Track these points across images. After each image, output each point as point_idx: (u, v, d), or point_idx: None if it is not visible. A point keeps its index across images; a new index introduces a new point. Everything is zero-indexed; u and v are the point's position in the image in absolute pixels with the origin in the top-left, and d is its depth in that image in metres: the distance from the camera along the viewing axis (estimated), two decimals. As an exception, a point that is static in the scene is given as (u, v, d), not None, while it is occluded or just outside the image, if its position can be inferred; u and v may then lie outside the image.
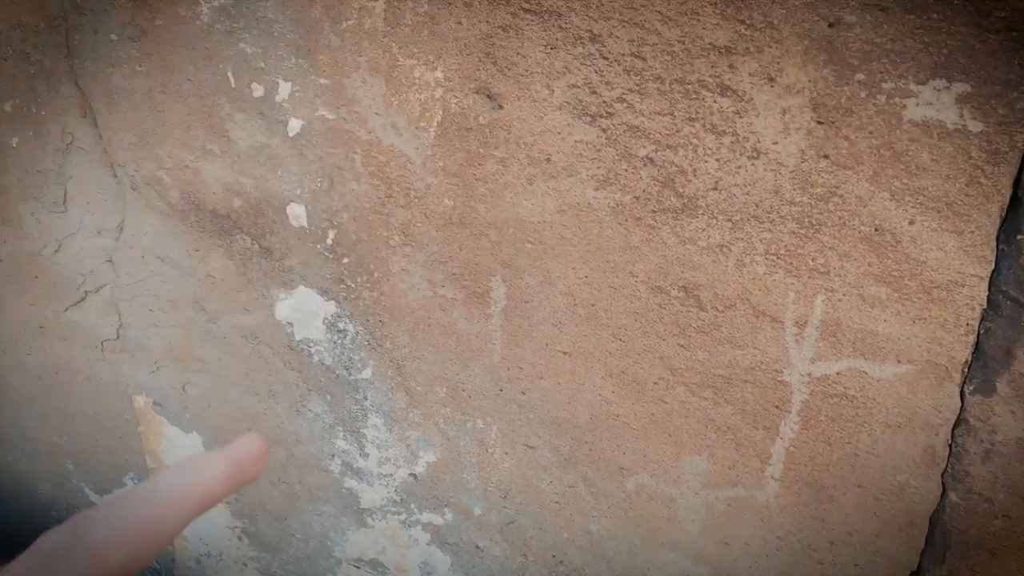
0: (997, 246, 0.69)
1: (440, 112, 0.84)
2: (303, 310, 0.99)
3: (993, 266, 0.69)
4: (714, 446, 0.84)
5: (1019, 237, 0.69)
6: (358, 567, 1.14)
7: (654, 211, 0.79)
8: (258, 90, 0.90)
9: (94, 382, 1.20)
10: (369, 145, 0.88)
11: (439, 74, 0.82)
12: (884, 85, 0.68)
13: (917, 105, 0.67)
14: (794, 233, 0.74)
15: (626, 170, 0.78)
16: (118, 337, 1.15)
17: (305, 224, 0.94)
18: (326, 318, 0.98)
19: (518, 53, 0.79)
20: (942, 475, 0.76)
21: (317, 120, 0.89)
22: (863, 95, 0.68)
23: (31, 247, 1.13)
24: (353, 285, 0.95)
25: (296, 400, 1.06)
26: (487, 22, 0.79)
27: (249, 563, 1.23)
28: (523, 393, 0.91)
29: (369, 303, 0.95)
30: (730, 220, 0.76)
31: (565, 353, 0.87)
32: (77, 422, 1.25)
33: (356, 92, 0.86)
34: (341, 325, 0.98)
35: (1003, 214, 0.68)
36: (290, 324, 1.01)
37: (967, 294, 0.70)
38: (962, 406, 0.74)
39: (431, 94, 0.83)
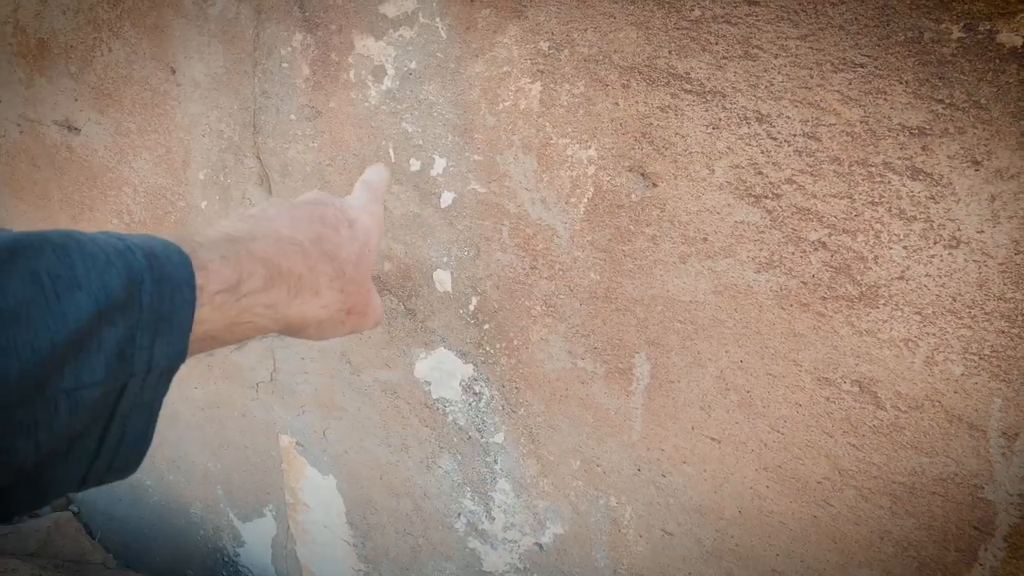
0: None
1: (591, 189, 0.84)
2: (442, 370, 1.03)
3: None
4: (890, 562, 0.74)
5: None
6: (475, 629, 1.13)
7: (824, 298, 0.73)
8: (415, 165, 0.97)
9: (248, 418, 1.32)
10: (517, 218, 0.90)
11: (592, 152, 0.83)
12: None
13: None
14: (1003, 333, 0.65)
15: (793, 254, 0.74)
16: (271, 380, 1.25)
17: (450, 289, 0.98)
18: (463, 380, 1.01)
19: (677, 133, 0.78)
20: None
21: (469, 193, 0.93)
22: (1100, 182, 0.59)
23: (207, 295, 1.28)
24: (491, 351, 0.97)
25: (427, 456, 1.09)
26: (645, 103, 0.79)
27: (369, 607, 1.27)
28: (663, 476, 0.87)
29: (506, 369, 0.96)
30: (919, 313, 0.68)
31: (713, 439, 0.82)
32: (230, 453, 1.38)
33: (508, 168, 0.89)
34: (477, 388, 1.00)
35: None
36: (428, 383, 1.05)
37: None
38: None
39: (583, 171, 0.84)
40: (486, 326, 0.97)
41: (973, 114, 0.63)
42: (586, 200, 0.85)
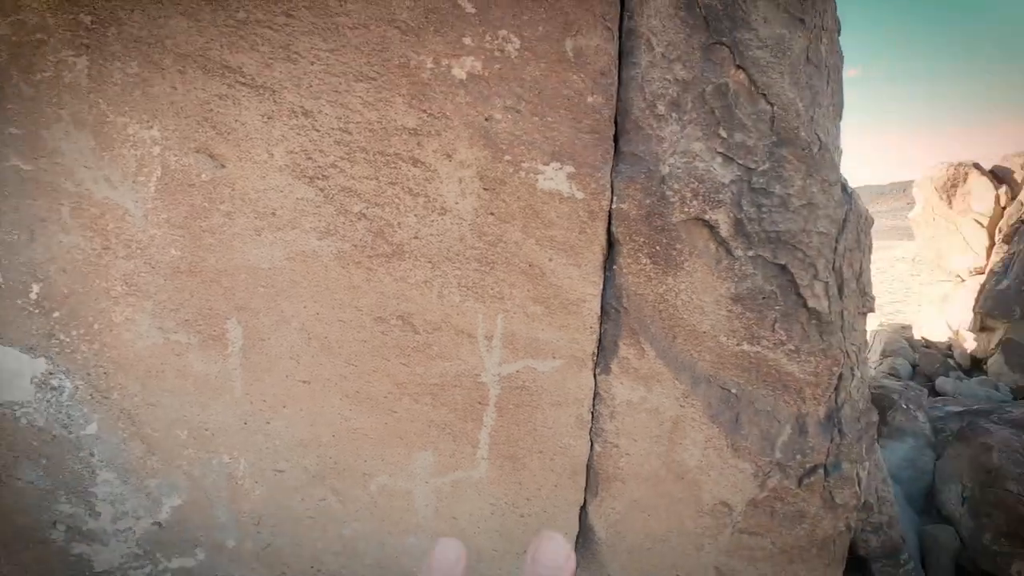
0: (603, 274, 1.03)
1: (159, 168, 0.88)
2: (2, 371, 0.91)
3: (601, 287, 1.03)
4: (437, 441, 1.04)
5: (614, 267, 1.04)
6: (96, 638, 1.05)
7: (370, 256, 0.95)
8: (-77, 134, 0.82)
9: None
10: (79, 197, 0.87)
11: (155, 132, 0.87)
12: (523, 164, 0.96)
13: (545, 179, 0.97)
14: (477, 270, 0.98)
15: (343, 223, 0.93)
16: None
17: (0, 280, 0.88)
18: (35, 377, 0.92)
19: (236, 120, 0.88)
20: (589, 433, 1.08)
21: (9, 170, 0.84)
22: (511, 170, 0.95)
23: None
24: (67, 339, 0.91)
25: (-1, 471, 0.95)
26: (203, 90, 0.86)
27: (-61, 676, 1.03)
28: (268, 423, 0.99)
29: (89, 356, 0.92)
30: (430, 261, 0.97)
31: (304, 382, 0.98)
32: None
33: (58, 144, 0.85)
34: (55, 382, 0.93)
35: (604, 252, 1.02)
36: (-15, 388, 0.92)
37: (589, 307, 1.03)
38: (595, 384, 1.07)
39: (148, 151, 0.87)
40: (56, 314, 0.90)
41: (443, 122, 0.93)
42: (155, 179, 0.88)
